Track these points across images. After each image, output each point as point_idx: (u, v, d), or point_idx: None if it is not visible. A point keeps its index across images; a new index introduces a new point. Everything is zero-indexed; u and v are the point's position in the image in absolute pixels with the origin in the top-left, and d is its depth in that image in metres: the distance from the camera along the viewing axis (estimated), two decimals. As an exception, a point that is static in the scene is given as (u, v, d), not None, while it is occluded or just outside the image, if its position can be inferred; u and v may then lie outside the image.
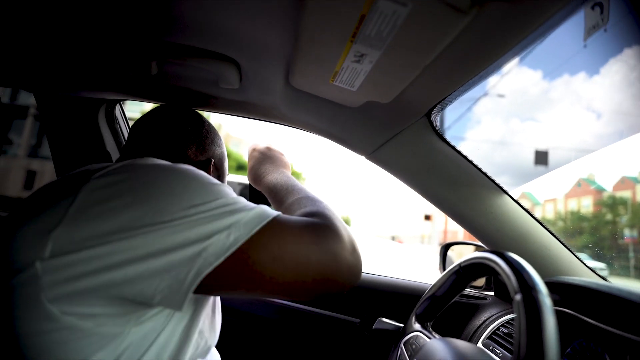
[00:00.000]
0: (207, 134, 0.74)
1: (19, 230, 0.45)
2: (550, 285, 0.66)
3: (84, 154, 1.02)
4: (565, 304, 0.65)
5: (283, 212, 0.63)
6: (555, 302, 0.67)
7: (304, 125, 0.89)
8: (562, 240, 0.88)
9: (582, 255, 0.88)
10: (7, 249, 0.44)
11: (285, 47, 0.65)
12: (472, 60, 0.57)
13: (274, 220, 0.48)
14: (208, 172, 0.72)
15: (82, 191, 0.45)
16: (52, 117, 0.99)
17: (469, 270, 0.63)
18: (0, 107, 1.13)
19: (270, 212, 0.49)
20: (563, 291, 0.65)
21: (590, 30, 0.65)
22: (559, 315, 0.66)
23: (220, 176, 0.78)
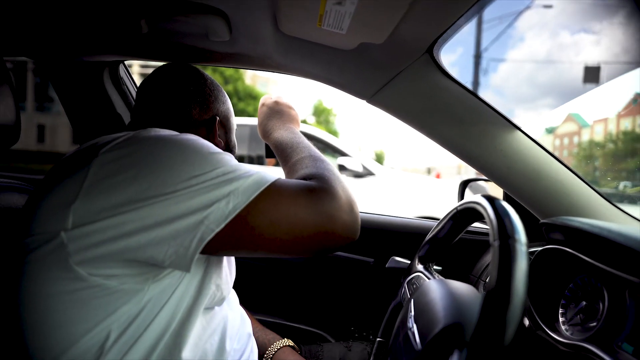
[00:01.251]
0: (210, 92, 0.75)
1: (41, 203, 0.50)
2: (554, 226, 0.65)
3: (97, 117, 1.06)
4: (568, 244, 0.64)
5: (287, 171, 0.66)
6: (559, 242, 0.66)
7: (300, 72, 0.86)
8: (581, 175, 0.84)
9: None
10: (29, 221, 0.50)
11: None
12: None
13: (271, 186, 0.51)
14: (214, 130, 0.73)
15: (93, 166, 0.49)
16: (61, 84, 1.02)
17: (464, 214, 0.63)
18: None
19: (268, 177, 0.51)
20: (567, 231, 0.64)
21: None
22: (561, 254, 0.66)
23: (227, 132, 0.79)
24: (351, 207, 0.55)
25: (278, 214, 0.50)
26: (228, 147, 0.80)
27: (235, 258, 0.75)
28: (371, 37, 0.65)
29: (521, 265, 0.39)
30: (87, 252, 0.46)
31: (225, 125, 0.78)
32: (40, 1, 0.69)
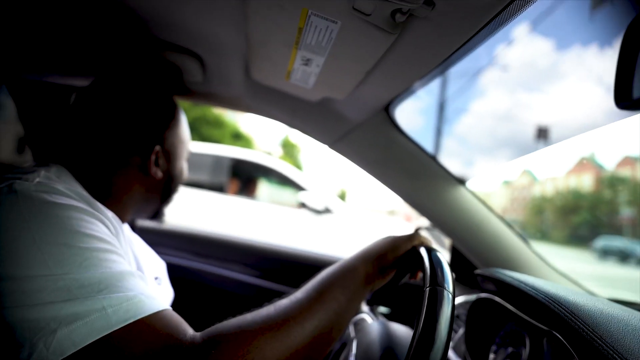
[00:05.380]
0: (160, 116, 0.66)
1: None
2: (486, 277, 0.72)
3: (56, 139, 1.04)
4: (499, 294, 0.71)
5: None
6: (491, 292, 0.72)
7: (268, 115, 0.92)
8: (516, 229, 0.93)
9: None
10: None
11: (243, 44, 0.67)
12: (417, 62, 0.58)
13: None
14: (149, 161, 0.66)
15: None
16: (23, 103, 1.01)
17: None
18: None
19: None
20: (497, 283, 0.70)
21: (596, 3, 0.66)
22: (492, 303, 0.72)
23: (172, 161, 0.71)
24: None
25: None
26: (170, 177, 0.71)
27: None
28: (333, 94, 0.72)
29: (446, 311, 0.44)
30: None
31: (172, 153, 0.69)
32: (16, 21, 0.71)
